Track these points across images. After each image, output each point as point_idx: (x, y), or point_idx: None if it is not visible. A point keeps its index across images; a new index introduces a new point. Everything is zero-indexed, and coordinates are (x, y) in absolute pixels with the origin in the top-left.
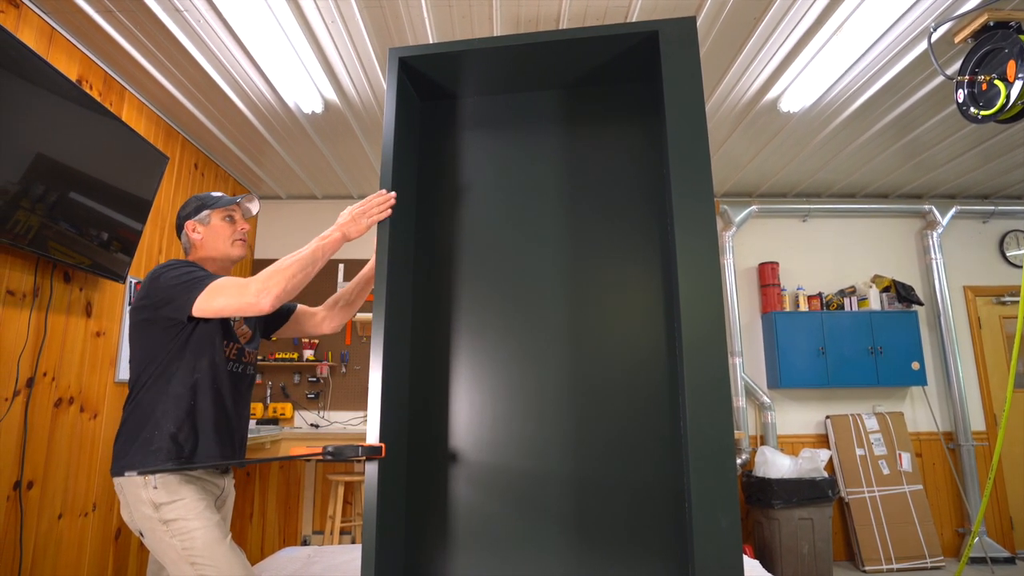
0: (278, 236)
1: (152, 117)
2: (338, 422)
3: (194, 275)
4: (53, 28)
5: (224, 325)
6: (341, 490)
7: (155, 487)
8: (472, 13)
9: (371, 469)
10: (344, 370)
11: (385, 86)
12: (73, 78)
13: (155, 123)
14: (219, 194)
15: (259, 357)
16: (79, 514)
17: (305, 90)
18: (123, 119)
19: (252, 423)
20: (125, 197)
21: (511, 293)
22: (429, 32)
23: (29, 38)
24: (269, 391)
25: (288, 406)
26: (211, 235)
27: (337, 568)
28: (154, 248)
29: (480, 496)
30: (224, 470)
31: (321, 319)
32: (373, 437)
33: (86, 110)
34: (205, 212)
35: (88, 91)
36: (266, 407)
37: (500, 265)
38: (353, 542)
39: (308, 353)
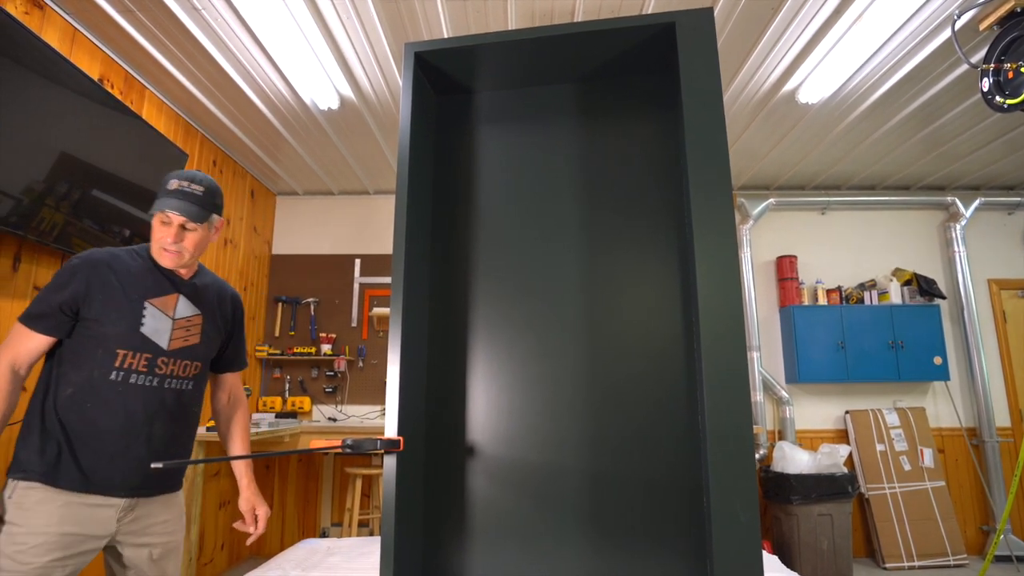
0: (295, 231)
1: (171, 115)
2: (355, 416)
3: (40, 296)
4: (76, 28)
5: (123, 332)
6: (359, 483)
7: (10, 497)
8: (487, 7)
9: (389, 462)
10: (361, 364)
11: (400, 81)
12: (95, 77)
13: (174, 121)
14: (175, 182)
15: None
16: None
17: (321, 86)
18: (144, 117)
19: (271, 416)
20: (146, 194)
21: (527, 287)
22: (444, 27)
23: (53, 38)
24: (288, 385)
25: (306, 400)
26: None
27: (357, 559)
28: None
29: (497, 489)
30: (131, 497)
31: (216, 400)
32: (391, 431)
33: (108, 109)
34: (156, 203)
35: (110, 90)
36: (285, 401)
37: (516, 259)
38: (371, 534)
39: (325, 348)
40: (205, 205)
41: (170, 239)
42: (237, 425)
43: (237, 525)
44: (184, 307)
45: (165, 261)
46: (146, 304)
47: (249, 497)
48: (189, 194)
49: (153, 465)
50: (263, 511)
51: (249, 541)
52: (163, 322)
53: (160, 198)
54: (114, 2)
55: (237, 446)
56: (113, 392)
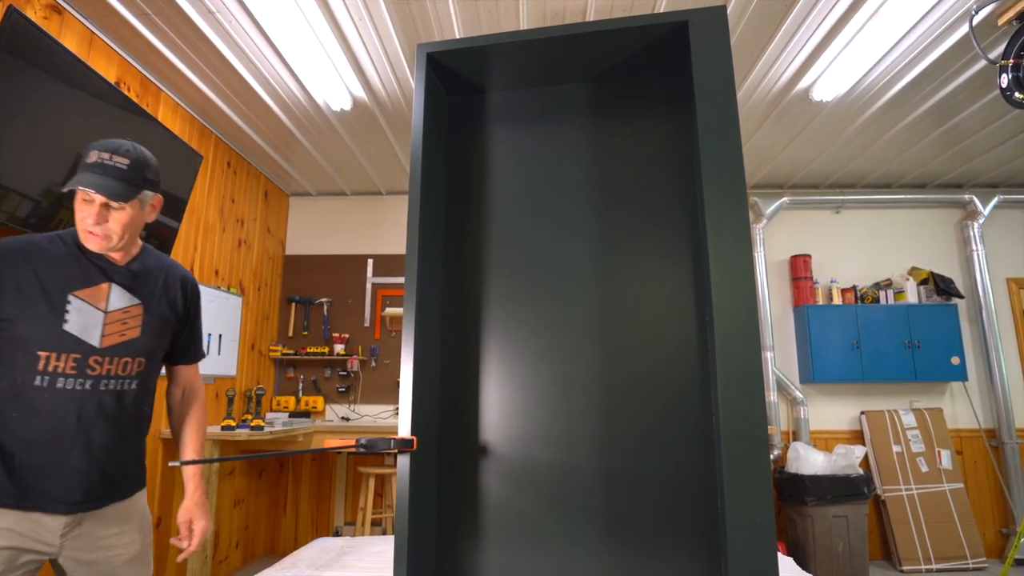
0: (309, 232)
1: (186, 117)
2: (368, 415)
3: None
4: (93, 32)
5: (42, 332)
6: (372, 482)
7: None
8: (498, 7)
9: (403, 462)
10: (374, 364)
11: (412, 82)
12: (112, 80)
13: (189, 123)
14: (95, 154)
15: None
16: None
17: (334, 88)
18: (159, 119)
19: (284, 416)
20: (162, 196)
21: (540, 287)
22: (456, 27)
23: (71, 42)
24: (301, 385)
25: (320, 399)
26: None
27: (370, 558)
28: (190, 245)
29: (510, 489)
30: (72, 514)
31: (169, 395)
32: (405, 430)
33: (124, 111)
34: (73, 178)
35: (126, 93)
36: (298, 400)
37: (529, 259)
38: (384, 533)
39: (339, 348)
40: (131, 180)
41: (91, 220)
42: (191, 424)
43: (173, 541)
44: (118, 297)
45: (92, 245)
46: (70, 298)
47: (189, 507)
48: (111, 168)
49: (171, 463)
50: (200, 526)
51: (180, 558)
52: (92, 316)
53: (78, 172)
54: (131, 6)
55: (188, 449)
56: (40, 399)
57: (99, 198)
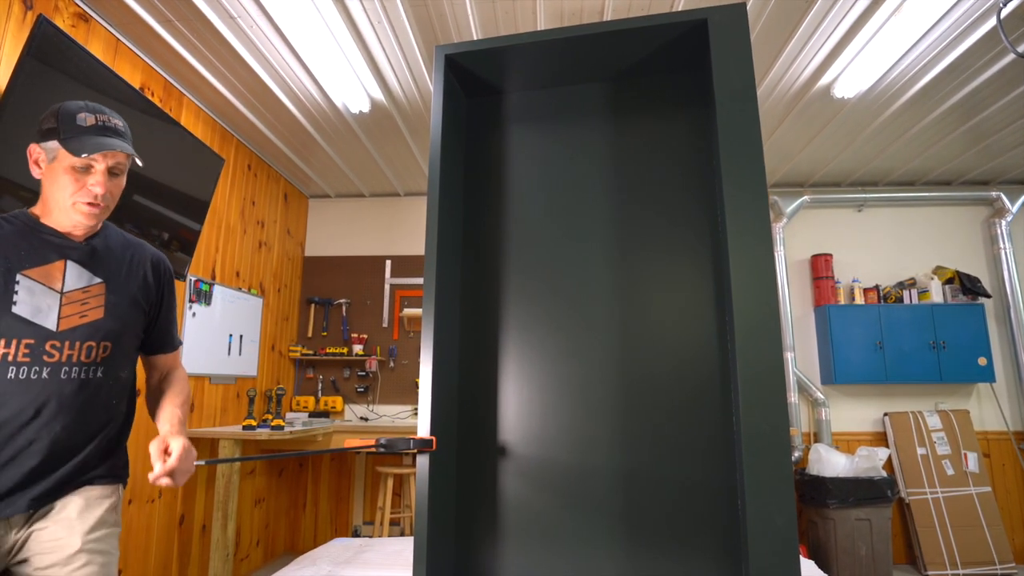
0: (327, 233)
1: (208, 121)
2: (386, 415)
3: None
4: (118, 40)
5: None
6: (391, 482)
7: None
8: (515, 8)
9: (423, 462)
10: (392, 364)
11: (430, 84)
12: (136, 86)
13: (211, 127)
14: (90, 116)
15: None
16: (147, 500)
17: (352, 90)
18: (182, 124)
19: (304, 416)
20: (184, 198)
21: (558, 287)
22: (473, 29)
23: (97, 49)
24: (320, 385)
25: (338, 399)
26: (50, 178)
27: (389, 557)
28: (212, 247)
29: (529, 489)
30: (22, 515)
31: (148, 383)
32: (424, 430)
33: (148, 116)
34: (53, 144)
35: (150, 98)
36: (317, 400)
37: (547, 259)
38: (402, 533)
39: (357, 348)
40: (129, 141)
41: (100, 188)
42: (168, 395)
43: (151, 476)
44: (76, 276)
45: (85, 218)
46: (18, 277)
47: (162, 435)
48: (112, 129)
49: (196, 463)
50: (179, 444)
51: (153, 478)
52: (46, 297)
53: (76, 138)
54: (155, 14)
55: (163, 416)
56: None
57: (110, 161)
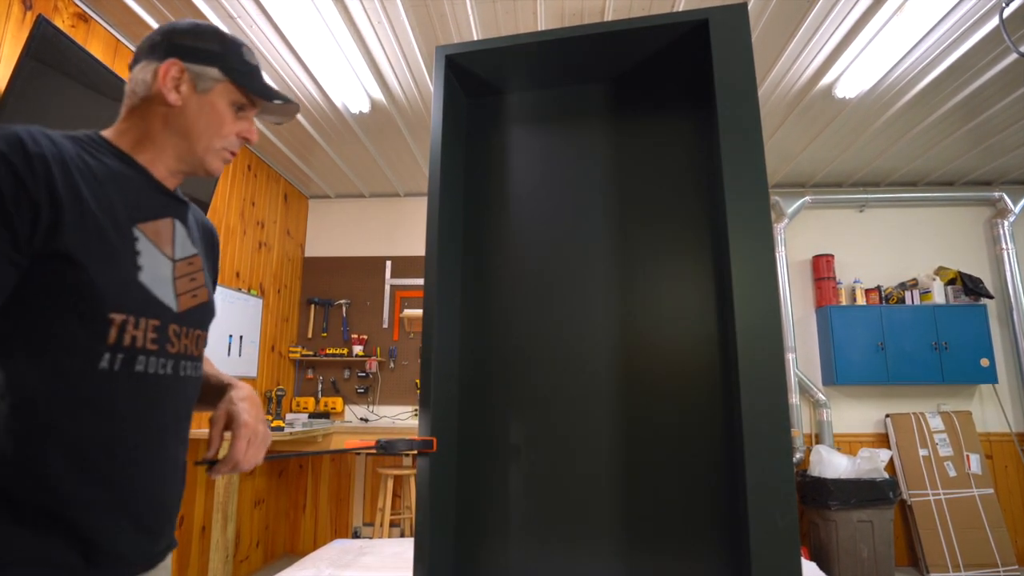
0: (327, 234)
1: None
2: (386, 416)
3: None
4: (118, 40)
5: (116, 280)
6: (390, 483)
7: None
8: (516, 8)
9: (423, 463)
10: (392, 365)
11: (430, 84)
12: None
13: None
14: (250, 55)
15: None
16: None
17: (352, 90)
18: None
19: (304, 416)
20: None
21: (559, 287)
22: (473, 28)
23: (96, 50)
24: (320, 386)
25: (339, 400)
26: (198, 110)
27: (390, 559)
28: None
29: (529, 490)
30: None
31: None
32: (424, 431)
33: None
34: (215, 71)
35: None
36: (317, 401)
37: (548, 259)
38: (402, 534)
39: (357, 349)
40: None
41: (252, 137)
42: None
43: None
44: (183, 240)
45: (219, 169)
46: (136, 232)
47: (231, 401)
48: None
49: (196, 463)
50: (262, 430)
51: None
52: (162, 266)
53: (249, 74)
54: (155, 14)
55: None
56: (108, 394)
57: (254, 111)
